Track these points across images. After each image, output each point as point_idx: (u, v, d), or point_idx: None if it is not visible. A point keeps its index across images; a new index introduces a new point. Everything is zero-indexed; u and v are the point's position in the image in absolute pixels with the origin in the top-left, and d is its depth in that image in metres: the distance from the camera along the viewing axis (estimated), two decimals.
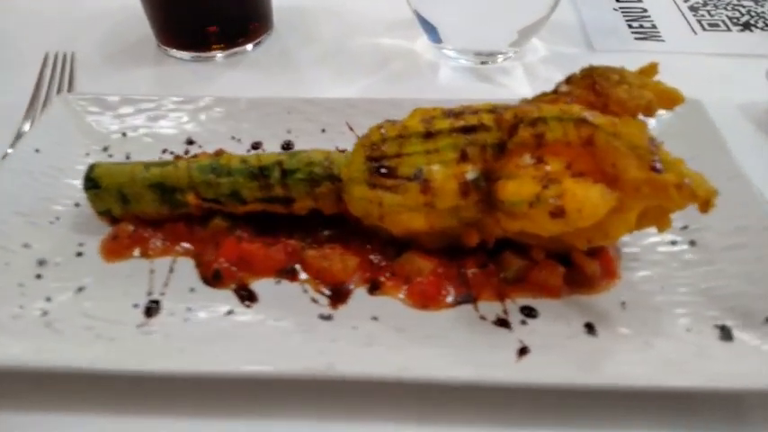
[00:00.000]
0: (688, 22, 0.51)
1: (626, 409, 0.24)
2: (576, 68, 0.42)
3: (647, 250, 0.30)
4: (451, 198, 0.26)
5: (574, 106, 0.25)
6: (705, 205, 0.23)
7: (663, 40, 0.49)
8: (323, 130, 0.37)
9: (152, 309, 0.28)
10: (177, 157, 0.34)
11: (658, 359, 0.25)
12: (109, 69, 0.47)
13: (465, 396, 0.25)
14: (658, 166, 0.23)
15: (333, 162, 0.29)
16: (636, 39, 0.49)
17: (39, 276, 0.29)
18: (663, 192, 0.23)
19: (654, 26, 0.51)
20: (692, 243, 0.30)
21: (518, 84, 0.45)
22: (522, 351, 0.25)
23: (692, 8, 0.53)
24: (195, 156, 0.34)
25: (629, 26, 0.51)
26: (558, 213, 0.23)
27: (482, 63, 0.47)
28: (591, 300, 0.28)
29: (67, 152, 0.36)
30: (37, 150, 0.35)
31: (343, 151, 0.32)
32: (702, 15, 0.52)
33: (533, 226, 0.24)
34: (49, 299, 0.28)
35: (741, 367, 0.24)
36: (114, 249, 0.31)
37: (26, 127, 0.40)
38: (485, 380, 0.23)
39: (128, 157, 0.36)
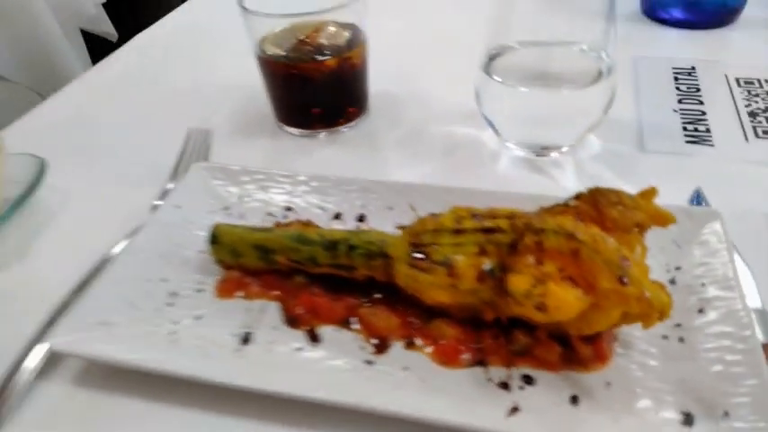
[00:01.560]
0: (743, 127, 0.55)
1: None
2: (623, 167, 0.50)
3: (641, 341, 0.36)
4: (470, 282, 0.34)
5: (569, 221, 0.32)
6: (660, 314, 0.29)
7: (712, 146, 0.54)
8: (390, 208, 0.46)
9: (246, 338, 0.38)
10: (277, 224, 0.44)
11: (600, 428, 0.31)
12: (235, 140, 0.59)
13: None
14: (625, 280, 0.29)
15: (385, 243, 0.37)
16: (687, 142, 0.54)
17: (170, 304, 0.40)
18: (625, 301, 0.29)
19: (708, 130, 0.55)
20: (681, 340, 0.35)
21: (567, 178, 0.52)
22: (514, 410, 0.32)
23: (752, 113, 0.57)
24: (289, 223, 0.44)
25: (684, 129, 0.56)
26: (541, 308, 0.30)
27: (538, 155, 0.54)
28: (582, 377, 0.34)
29: (198, 209, 0.47)
30: (177, 206, 0.47)
31: (403, 227, 0.41)
32: (759, 122, 0.56)
33: (527, 313, 0.31)
34: (175, 322, 0.39)
35: None
36: (224, 289, 0.41)
37: (169, 185, 0.52)
38: (473, 426, 0.31)
39: (242, 217, 0.47)
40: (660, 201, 0.36)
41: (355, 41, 0.56)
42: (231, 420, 0.35)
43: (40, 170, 0.51)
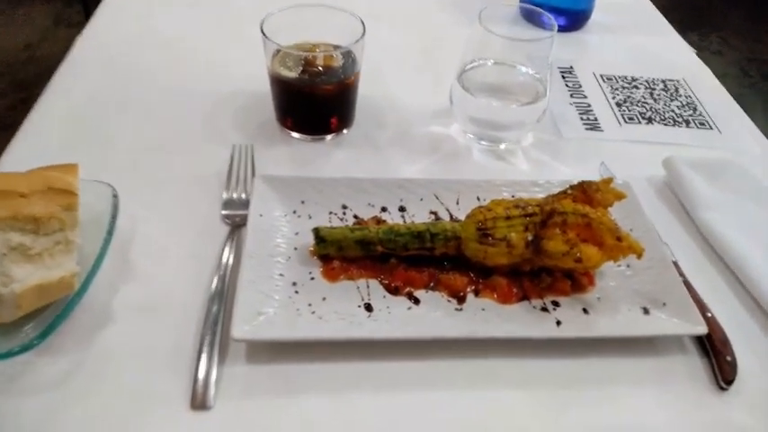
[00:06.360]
0: (615, 115, 0.81)
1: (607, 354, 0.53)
2: (552, 151, 0.71)
3: (608, 270, 0.58)
4: (520, 250, 0.53)
5: (579, 205, 0.53)
6: (639, 256, 0.52)
7: (602, 130, 0.78)
8: (421, 199, 0.63)
9: (368, 307, 0.53)
10: (360, 222, 0.58)
11: (603, 324, 0.53)
12: (259, 148, 0.69)
13: (536, 349, 0.52)
14: (619, 238, 0.51)
15: (455, 229, 0.55)
16: (586, 129, 0.78)
17: (296, 292, 0.53)
18: (621, 251, 0.51)
19: (596, 119, 0.80)
20: (628, 266, 0.59)
21: (520, 161, 0.73)
22: (558, 323, 0.53)
23: (618, 104, 0.83)
24: (363, 221, 0.59)
25: (581, 119, 0.80)
26: (578, 260, 0.51)
27: (492, 146, 0.74)
28: (583, 296, 0.56)
29: (275, 215, 0.60)
30: (260, 215, 0.59)
31: (453, 218, 0.59)
32: (623, 111, 0.82)
33: (562, 264, 0.52)
34: (309, 304, 0.52)
35: (650, 326, 0.53)
36: (331, 275, 0.55)
37: (225, 195, 0.62)
38: (535, 336, 0.51)
39: (310, 217, 0.60)
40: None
41: (351, 67, 0.69)
42: (376, 363, 0.50)
43: (114, 201, 0.57)
